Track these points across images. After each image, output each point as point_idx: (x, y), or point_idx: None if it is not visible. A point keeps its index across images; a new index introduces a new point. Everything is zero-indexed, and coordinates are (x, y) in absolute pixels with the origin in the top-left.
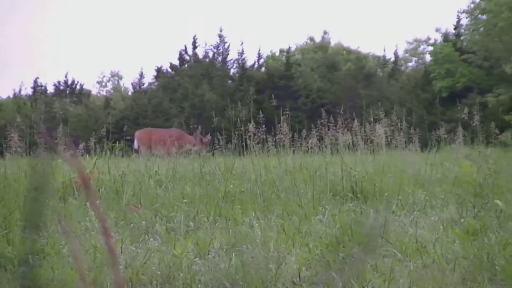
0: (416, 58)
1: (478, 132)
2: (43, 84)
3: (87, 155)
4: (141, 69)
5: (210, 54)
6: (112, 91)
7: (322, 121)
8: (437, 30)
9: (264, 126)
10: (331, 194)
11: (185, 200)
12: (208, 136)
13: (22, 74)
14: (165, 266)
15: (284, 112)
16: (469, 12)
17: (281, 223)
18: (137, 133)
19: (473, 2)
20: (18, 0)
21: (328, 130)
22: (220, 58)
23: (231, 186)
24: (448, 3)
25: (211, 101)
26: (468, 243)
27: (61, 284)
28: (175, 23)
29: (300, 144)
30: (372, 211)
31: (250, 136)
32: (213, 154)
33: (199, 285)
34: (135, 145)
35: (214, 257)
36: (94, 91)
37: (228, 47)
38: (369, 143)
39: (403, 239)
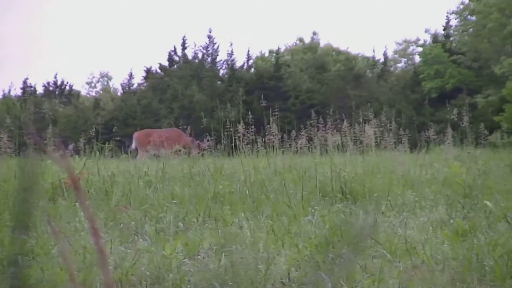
0: (405, 59)
1: (467, 133)
2: (33, 84)
3: (77, 156)
4: (131, 70)
5: (200, 55)
6: (101, 91)
7: (311, 122)
8: (427, 31)
9: (253, 126)
10: (320, 194)
11: (174, 201)
12: (207, 142)
13: (12, 75)
14: (154, 267)
15: (274, 113)
16: (458, 13)
17: (271, 224)
18: (136, 134)
19: (462, 3)
20: (7, 1)
21: (318, 131)
22: (209, 59)
23: (221, 186)
24: (437, 4)
25: (200, 102)
26: (458, 244)
27: (51, 285)
28: (165, 24)
29: (290, 144)
30: (361, 212)
31: (239, 137)
32: (202, 155)
33: (189, 286)
34: (133, 146)
35: (203, 258)
36: (83, 92)
37: (218, 48)
38: (358, 143)
39: (393, 239)
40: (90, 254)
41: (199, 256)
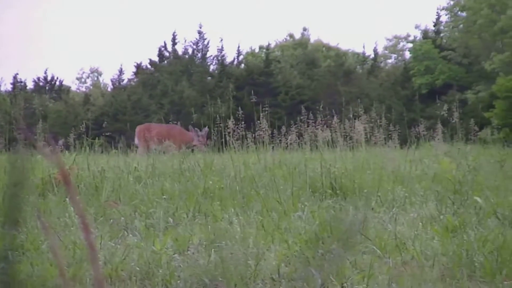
0: (395, 55)
1: (457, 129)
2: (23, 80)
3: (67, 151)
4: (121, 65)
5: (190, 51)
6: (91, 87)
7: (301, 117)
8: (417, 27)
9: (243, 122)
10: (310, 190)
11: (164, 196)
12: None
13: (2, 70)
14: (144, 262)
15: (264, 109)
16: (449, 9)
17: (261, 220)
18: (137, 129)
19: None
20: None
21: (308, 126)
22: (199, 55)
23: (211, 182)
24: (427, 0)
25: (190, 97)
26: (447, 239)
27: (41, 280)
28: (155, 19)
29: (280, 140)
30: (351, 208)
31: (229, 133)
32: (192, 150)
33: (178, 281)
34: (136, 140)
35: (193, 253)
36: (73, 87)
37: (208, 43)
38: (348, 139)
39: (382, 235)
40: (80, 250)
41: (189, 252)
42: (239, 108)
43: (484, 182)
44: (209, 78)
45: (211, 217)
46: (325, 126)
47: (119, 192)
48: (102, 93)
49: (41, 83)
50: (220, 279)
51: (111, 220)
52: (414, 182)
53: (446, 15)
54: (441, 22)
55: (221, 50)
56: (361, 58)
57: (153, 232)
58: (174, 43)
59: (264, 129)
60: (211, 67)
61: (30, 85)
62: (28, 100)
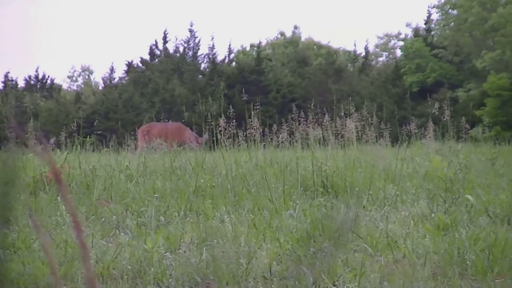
0: (386, 53)
1: (448, 127)
2: (14, 78)
3: (58, 150)
4: (112, 63)
5: (181, 49)
6: (82, 85)
7: (292, 116)
8: (408, 25)
9: (234, 120)
10: (302, 189)
11: (155, 195)
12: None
13: None
14: (136, 261)
15: (255, 107)
16: (440, 7)
17: (252, 218)
18: (139, 129)
19: None
20: None
21: (299, 125)
22: (190, 53)
23: (202, 180)
24: None
25: (181, 95)
26: (439, 238)
27: (32, 279)
28: (146, 17)
29: (271, 139)
30: (342, 206)
31: (220, 131)
32: (183, 148)
33: (170, 280)
34: (138, 139)
35: (184, 252)
36: (64, 86)
37: (199, 42)
38: (339, 138)
39: (374, 234)
40: (72, 248)
41: (180, 250)
42: (230, 107)
43: (476, 180)
44: (200, 76)
45: (202, 215)
46: (316, 124)
47: (110, 191)
48: (93, 92)
49: (32, 82)
50: (212, 277)
51: (103, 219)
52: (406, 180)
53: (437, 13)
54: (432, 20)
55: (212, 48)
56: (352, 56)
57: (145, 231)
58: (165, 42)
59: (255, 127)
60: (202, 66)
61: (21, 83)
62: (19, 98)
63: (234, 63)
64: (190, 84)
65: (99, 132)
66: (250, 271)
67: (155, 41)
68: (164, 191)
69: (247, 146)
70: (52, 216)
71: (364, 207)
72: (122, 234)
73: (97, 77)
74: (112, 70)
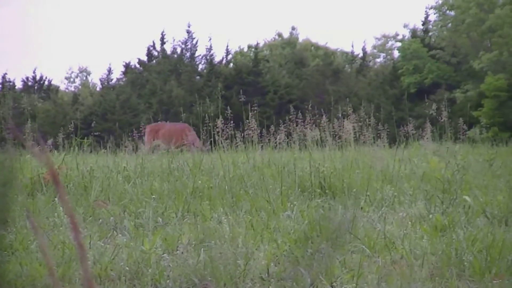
0: (384, 54)
1: (446, 128)
2: (11, 79)
3: (56, 151)
4: (109, 65)
5: (178, 50)
6: (80, 87)
7: (290, 117)
8: (405, 26)
9: (232, 122)
10: (299, 190)
11: (153, 196)
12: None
13: None
14: (133, 262)
15: (252, 108)
16: (437, 8)
17: (250, 219)
18: (147, 128)
19: None
20: None
21: (296, 126)
22: (188, 54)
23: (200, 182)
24: None
25: (179, 96)
26: (436, 239)
27: (30, 280)
28: (144, 18)
29: (269, 140)
30: (340, 207)
31: (218, 132)
32: (181, 150)
33: (168, 281)
34: (146, 139)
35: (182, 253)
36: (62, 87)
37: (196, 43)
38: (337, 139)
39: (372, 235)
40: (69, 249)
41: (178, 251)
42: (228, 108)
43: (473, 181)
44: (198, 77)
45: (200, 216)
46: (314, 126)
47: (108, 192)
48: (91, 93)
49: (29, 83)
50: (210, 278)
51: (100, 220)
52: (403, 181)
53: (434, 14)
54: (430, 21)
55: (209, 49)
56: (350, 57)
57: (142, 232)
58: (162, 43)
59: (253, 129)
60: (200, 67)
61: (19, 84)
62: (17, 99)
63: (231, 64)
64: (188, 85)
65: (97, 133)
66: (247, 272)
67: (153, 42)
68: (162, 192)
69: (245, 147)
70: (49, 217)
71: (361, 208)
72: (120, 235)
73: (95, 78)
74: (109, 71)
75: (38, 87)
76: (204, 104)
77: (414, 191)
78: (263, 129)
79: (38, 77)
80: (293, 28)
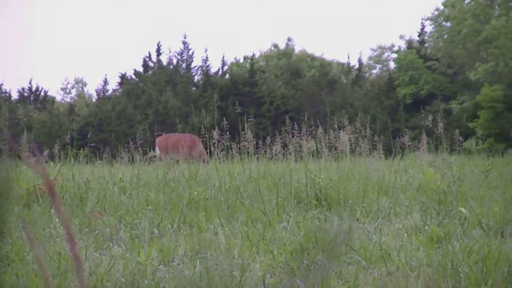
0: (380, 65)
1: (442, 139)
2: (7, 90)
3: (51, 162)
4: (105, 75)
5: (174, 61)
6: (76, 97)
7: (286, 128)
8: (401, 37)
9: (228, 133)
10: (295, 201)
11: (149, 207)
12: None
13: None
14: (129, 273)
15: (248, 119)
16: (433, 19)
17: (245, 230)
18: (157, 140)
19: (437, 9)
20: None
21: (292, 137)
22: (184, 65)
23: (195, 193)
24: (412, 10)
25: (175, 107)
26: (432, 250)
27: None
28: (140, 29)
29: (264, 151)
30: (336, 218)
31: (214, 143)
32: (177, 161)
33: None
34: (156, 151)
35: (178, 264)
36: (58, 98)
37: (192, 54)
38: (333, 150)
39: (367, 246)
40: (65, 260)
41: (174, 263)
42: (224, 119)
43: (469, 193)
44: (194, 88)
45: (196, 227)
46: (309, 137)
47: (104, 203)
48: (86, 104)
49: (25, 94)
50: None
51: (96, 231)
52: (399, 193)
53: (430, 25)
54: (426, 32)
55: (205, 60)
56: (346, 68)
57: (138, 243)
58: (158, 54)
59: (248, 140)
60: (196, 77)
61: (14, 95)
62: (13, 110)
63: (227, 75)
64: (184, 96)
65: (93, 144)
66: (243, 283)
67: (149, 53)
68: (158, 204)
69: (241, 158)
70: (45, 228)
71: (357, 219)
72: (116, 246)
73: (91, 89)
74: (105, 82)
75: (34, 98)
76: (200, 115)
77: (410, 202)
78: (259, 140)
79: (34, 88)
80: (289, 39)
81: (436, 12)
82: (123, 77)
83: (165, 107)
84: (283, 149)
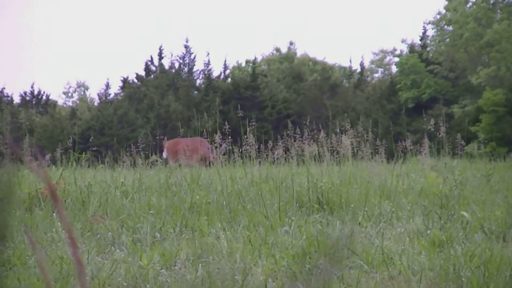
0: (382, 69)
1: (444, 143)
2: (9, 94)
3: (53, 166)
4: (107, 79)
5: (176, 65)
6: (78, 101)
7: (288, 132)
8: (403, 41)
9: (230, 137)
10: (297, 205)
11: (151, 211)
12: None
13: None
14: (131, 277)
15: (250, 123)
16: (435, 23)
17: (247, 234)
18: (166, 144)
19: (439, 13)
20: None
21: (294, 141)
22: (186, 69)
23: (197, 197)
24: (414, 14)
25: (177, 111)
26: (434, 254)
27: None
28: (142, 33)
29: (266, 155)
30: (338, 222)
31: (216, 147)
32: (179, 165)
33: None
34: (164, 155)
35: (180, 268)
36: (60, 102)
37: (194, 57)
38: (335, 154)
39: (369, 250)
40: (67, 265)
41: (176, 267)
42: (226, 122)
43: (471, 197)
44: (196, 92)
45: (198, 232)
46: (311, 141)
47: (106, 207)
48: (88, 108)
49: (27, 98)
50: None
51: (98, 235)
52: (401, 197)
53: (432, 29)
54: (428, 36)
55: (207, 64)
56: (348, 72)
57: (140, 247)
58: (160, 57)
59: (250, 144)
60: (198, 81)
61: (16, 99)
62: (15, 114)
63: (229, 79)
64: (186, 100)
65: (95, 148)
66: (245, 287)
67: (151, 57)
68: (160, 208)
69: (243, 162)
70: (47, 233)
71: (359, 223)
72: (118, 250)
73: (93, 93)
74: (107, 86)
75: (36, 102)
76: (202, 119)
77: (412, 206)
78: (261, 144)
79: (36, 92)
80: (291, 43)
81: (438, 16)
82: (125, 81)
83: (167, 111)
84: (285, 153)
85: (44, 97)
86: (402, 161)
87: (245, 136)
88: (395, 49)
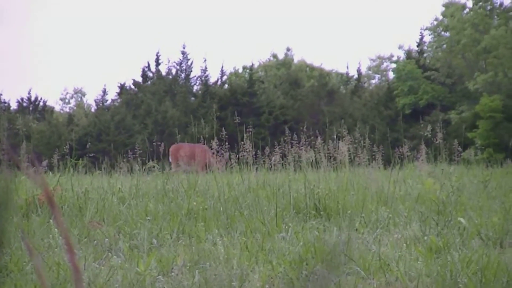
0: (379, 75)
1: (441, 149)
2: (6, 100)
3: (50, 172)
4: (104, 85)
5: (173, 71)
6: (75, 107)
7: (285, 138)
8: (400, 47)
9: (227, 143)
10: (294, 211)
11: (148, 217)
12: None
13: None
14: (128, 283)
15: (247, 129)
16: (432, 29)
17: (244, 240)
18: (171, 148)
19: (436, 19)
20: None
21: (291, 147)
22: (183, 75)
23: (194, 203)
24: (411, 20)
25: (174, 117)
26: (431, 260)
27: None
28: (139, 39)
29: (263, 161)
30: (335, 229)
31: (213, 153)
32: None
33: None
34: (170, 159)
35: (177, 274)
36: (57, 108)
37: (191, 64)
38: (332, 160)
39: (366, 256)
40: (64, 271)
41: (172, 273)
42: (223, 129)
43: (468, 203)
44: (193, 98)
45: (195, 238)
46: (308, 147)
47: (103, 213)
48: (85, 114)
49: (24, 104)
50: None
51: (95, 241)
52: (398, 203)
53: (429, 35)
54: (425, 42)
55: (204, 70)
56: (345, 78)
57: (137, 253)
58: (157, 64)
59: (247, 150)
60: (195, 88)
61: (13, 105)
62: (12, 120)
63: (226, 85)
64: (183, 106)
65: (92, 154)
66: None
67: (148, 63)
68: (157, 214)
69: (240, 168)
70: (44, 239)
71: (356, 229)
72: (115, 256)
73: (90, 99)
74: (104, 92)
75: (33, 108)
76: (199, 125)
77: (409, 212)
78: (258, 150)
79: (33, 98)
80: (288, 49)
81: (435, 22)
82: (122, 87)
83: (164, 117)
84: (282, 159)
85: (41, 103)
86: (399, 167)
87: (242, 142)
88: (392, 55)
